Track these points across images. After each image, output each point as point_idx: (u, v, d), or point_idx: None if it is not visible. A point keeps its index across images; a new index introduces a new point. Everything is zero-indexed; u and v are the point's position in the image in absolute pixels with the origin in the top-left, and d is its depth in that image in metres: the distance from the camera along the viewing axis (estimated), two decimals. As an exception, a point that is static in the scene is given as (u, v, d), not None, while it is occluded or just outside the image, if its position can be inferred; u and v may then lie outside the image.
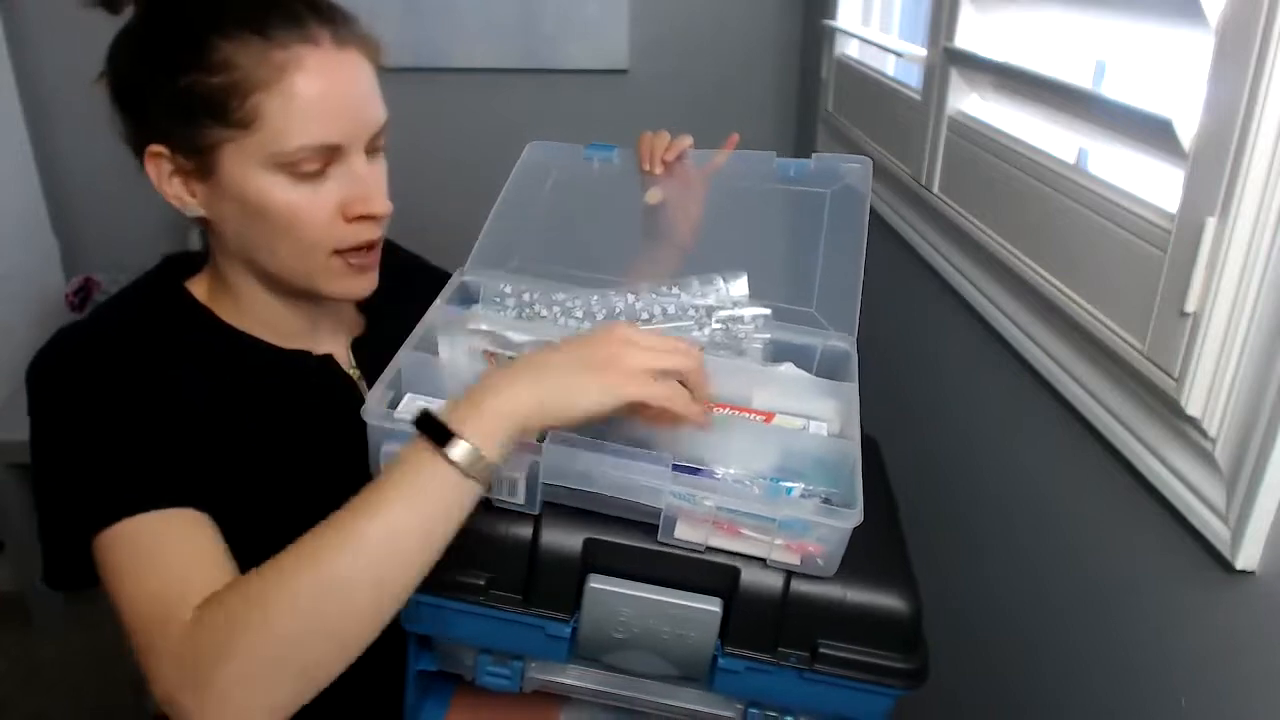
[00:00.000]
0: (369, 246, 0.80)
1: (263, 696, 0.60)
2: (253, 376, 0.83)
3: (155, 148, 0.75)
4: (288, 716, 0.61)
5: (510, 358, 0.79)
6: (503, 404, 0.62)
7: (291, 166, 0.73)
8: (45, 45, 2.03)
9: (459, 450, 0.61)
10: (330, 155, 0.75)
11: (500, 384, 0.63)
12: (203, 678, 0.59)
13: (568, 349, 0.65)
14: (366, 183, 0.77)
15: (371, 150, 0.79)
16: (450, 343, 0.80)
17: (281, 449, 0.81)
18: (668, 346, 0.66)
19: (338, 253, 0.78)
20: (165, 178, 0.76)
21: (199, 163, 0.74)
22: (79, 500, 0.70)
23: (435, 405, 0.64)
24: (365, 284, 0.83)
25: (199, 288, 0.86)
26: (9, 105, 1.97)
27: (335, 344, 0.91)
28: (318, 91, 0.72)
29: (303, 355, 0.87)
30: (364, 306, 0.96)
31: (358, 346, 0.92)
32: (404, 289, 0.90)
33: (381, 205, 0.78)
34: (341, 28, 0.76)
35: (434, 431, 0.61)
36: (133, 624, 0.65)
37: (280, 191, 0.74)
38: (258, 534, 0.75)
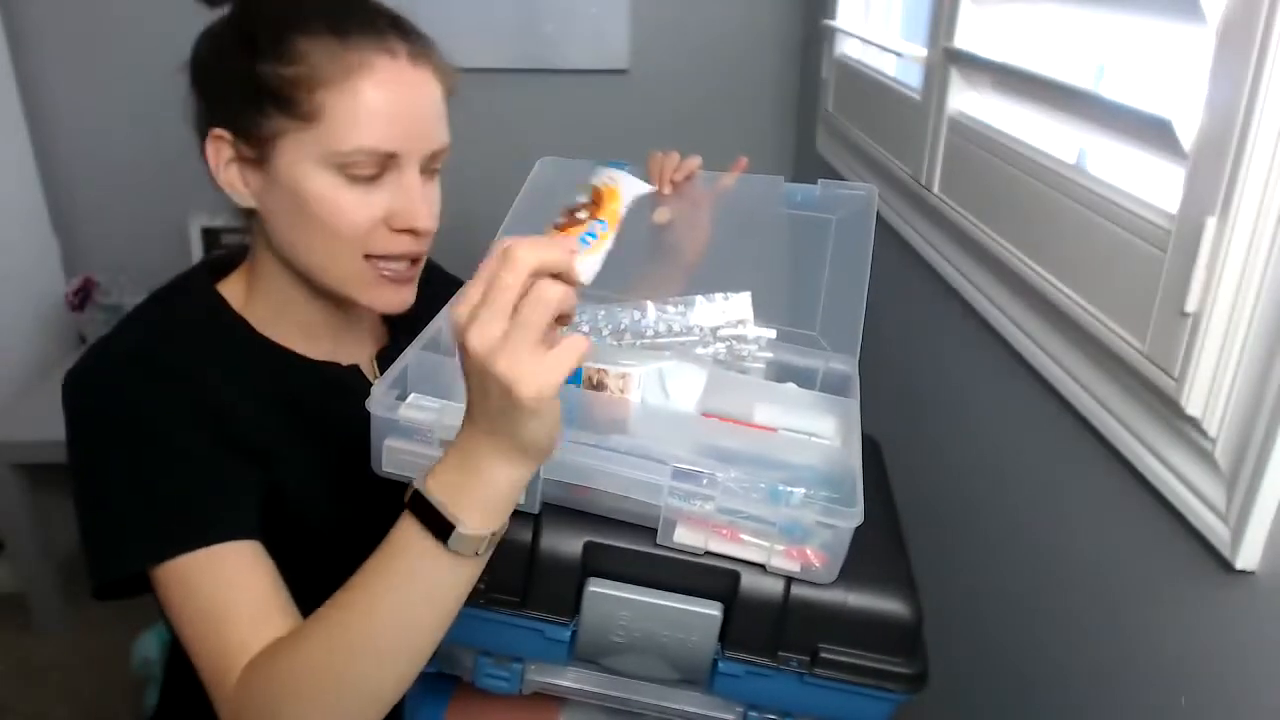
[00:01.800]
0: (407, 259, 0.80)
1: None
2: (284, 386, 0.83)
3: (218, 131, 0.76)
4: None
5: None
6: (494, 488, 0.59)
7: (346, 167, 0.74)
8: (46, 46, 2.03)
9: (473, 546, 0.60)
10: (385, 163, 0.75)
11: (490, 466, 0.58)
12: None
13: (485, 421, 0.57)
14: (415, 197, 0.77)
15: (428, 170, 0.79)
16: None
17: (311, 458, 0.82)
18: (499, 312, 0.53)
19: (370, 258, 0.79)
20: (223, 163, 0.78)
21: (258, 151, 0.76)
22: (132, 529, 0.72)
23: (425, 481, 0.60)
24: (400, 297, 0.82)
25: (234, 291, 0.86)
26: (10, 105, 1.97)
27: (360, 355, 0.91)
28: (383, 98, 0.74)
29: (332, 366, 0.87)
30: (389, 318, 0.96)
31: (382, 358, 0.92)
32: (425, 299, 0.90)
33: (425, 221, 0.78)
34: (419, 46, 0.77)
35: (437, 526, 0.59)
36: (197, 663, 0.69)
37: (330, 190, 0.75)
38: (286, 541, 0.75)
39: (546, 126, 2.24)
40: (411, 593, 0.62)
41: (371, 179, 0.75)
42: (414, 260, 0.81)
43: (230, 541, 0.71)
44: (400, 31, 0.77)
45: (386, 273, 0.80)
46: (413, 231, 0.78)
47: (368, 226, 0.77)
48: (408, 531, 0.61)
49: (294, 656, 0.64)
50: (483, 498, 0.59)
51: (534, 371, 0.53)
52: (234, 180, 0.78)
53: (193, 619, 0.69)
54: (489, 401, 0.56)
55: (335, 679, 0.63)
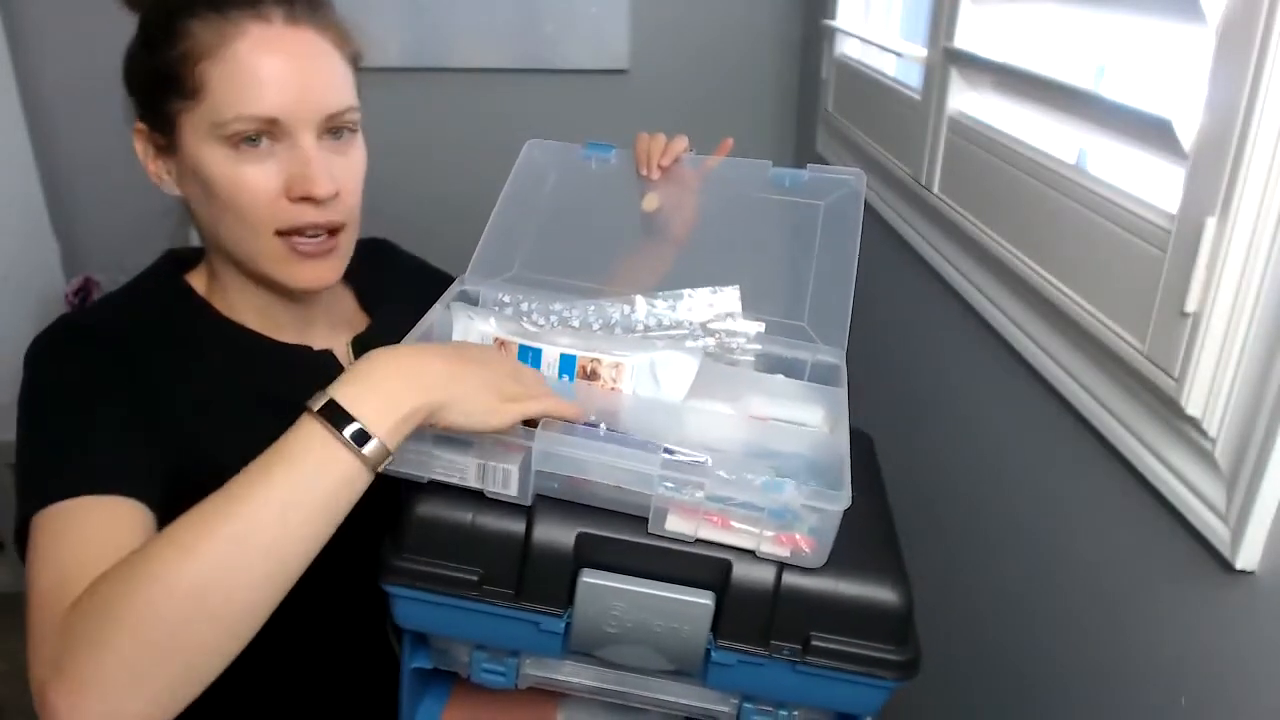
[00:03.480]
0: (318, 232, 0.78)
1: (137, 690, 0.54)
2: (250, 368, 0.83)
3: (139, 125, 0.79)
4: (170, 714, 0.56)
5: (524, 346, 0.80)
6: (411, 396, 0.61)
7: (232, 138, 0.74)
8: (46, 45, 2.04)
9: (368, 446, 0.59)
10: (269, 129, 0.74)
11: (412, 372, 0.62)
12: (71, 670, 0.54)
13: (481, 365, 0.66)
14: (310, 163, 0.75)
15: (330, 133, 0.78)
16: (466, 325, 0.81)
17: (270, 441, 0.81)
18: (547, 394, 0.70)
19: (281, 234, 0.78)
20: (149, 156, 0.80)
21: (167, 139, 0.77)
22: (32, 477, 0.69)
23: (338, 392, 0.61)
24: (315, 273, 0.80)
25: (198, 280, 0.86)
26: (9, 105, 1.97)
27: (334, 341, 0.91)
28: (257, 62, 0.73)
29: (302, 350, 0.87)
30: (366, 305, 0.96)
31: (359, 344, 0.92)
32: (407, 290, 0.90)
33: (321, 187, 0.75)
34: (300, 8, 0.76)
35: (333, 415, 0.59)
36: (30, 615, 0.60)
37: (223, 164, 0.75)
38: None
39: (546, 126, 2.22)
40: (301, 494, 0.58)
41: (261, 149, 0.75)
42: (331, 232, 0.79)
43: (112, 496, 0.66)
44: None
45: (300, 248, 0.78)
46: (311, 199, 0.76)
47: (267, 199, 0.76)
48: (310, 435, 0.59)
49: (142, 557, 0.56)
50: (396, 419, 0.61)
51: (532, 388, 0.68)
52: (160, 172, 0.80)
53: (39, 565, 0.62)
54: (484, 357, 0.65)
55: (187, 581, 0.55)
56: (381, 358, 0.63)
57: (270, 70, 0.74)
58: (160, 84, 0.75)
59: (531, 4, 2.13)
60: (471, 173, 1.92)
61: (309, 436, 0.60)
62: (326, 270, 0.81)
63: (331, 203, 0.78)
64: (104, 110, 2.09)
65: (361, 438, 0.59)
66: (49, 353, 0.77)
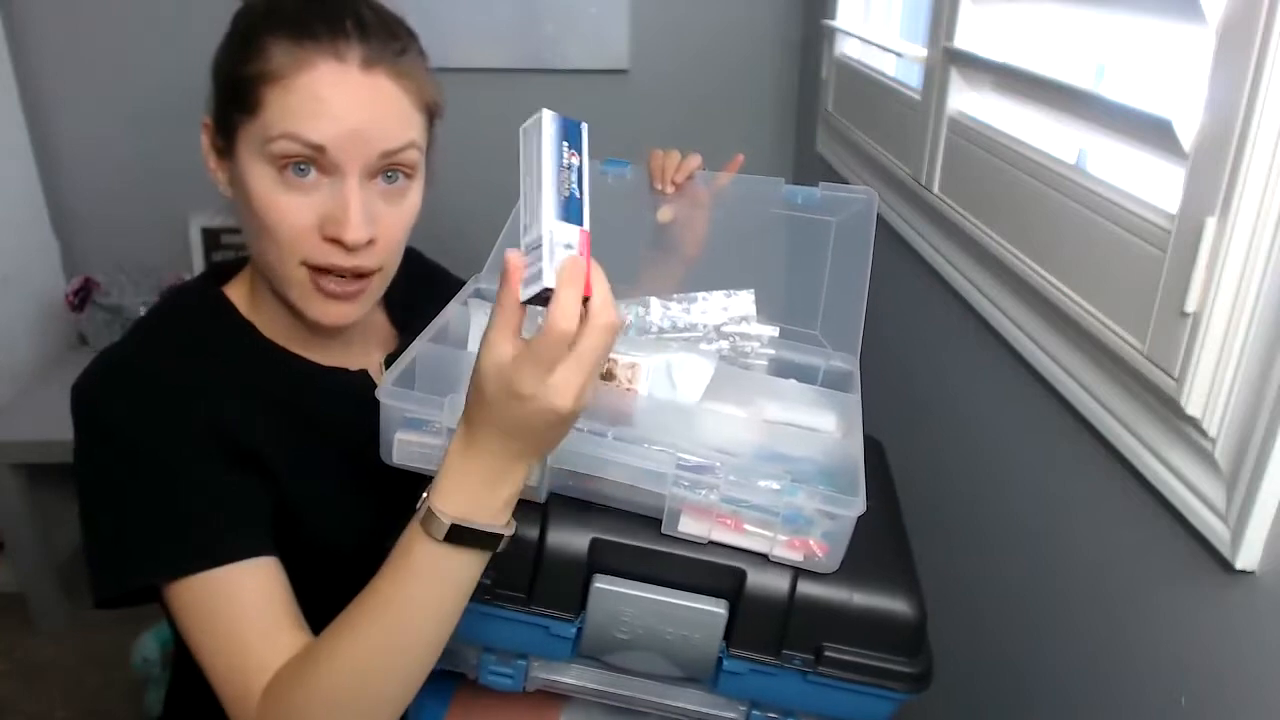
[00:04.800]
0: (343, 274, 0.77)
1: None
2: (290, 394, 0.83)
3: (206, 119, 0.80)
4: None
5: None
6: (516, 476, 0.63)
7: (277, 159, 0.73)
8: (46, 45, 2.03)
9: (493, 541, 0.63)
10: (317, 159, 0.73)
11: (506, 472, 0.62)
12: None
13: (520, 426, 0.60)
14: (348, 206, 0.73)
15: (384, 176, 0.76)
16: (483, 321, 0.81)
17: (317, 465, 0.82)
18: (588, 362, 0.59)
19: (308, 266, 0.76)
20: (209, 151, 0.80)
21: (227, 143, 0.77)
22: (140, 547, 0.72)
23: (444, 506, 0.62)
24: (340, 312, 0.79)
25: (239, 294, 0.85)
26: (9, 106, 1.97)
27: (368, 359, 0.91)
28: (316, 93, 0.72)
29: (339, 372, 0.87)
30: (396, 321, 0.96)
31: (391, 362, 0.92)
32: (434, 302, 0.89)
33: (353, 232, 0.73)
34: (379, 52, 0.74)
35: (459, 535, 0.62)
36: (214, 682, 0.70)
37: (266, 185, 0.74)
38: (294, 548, 0.75)
39: (546, 127, 2.24)
40: (437, 595, 0.64)
41: (308, 180, 0.73)
42: (359, 275, 0.77)
43: (240, 561, 0.71)
44: (361, 36, 0.74)
45: (324, 285, 0.77)
46: (340, 242, 0.74)
47: (299, 231, 0.74)
48: (440, 555, 0.62)
49: (320, 673, 0.65)
50: (508, 499, 0.63)
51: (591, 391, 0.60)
52: (215, 168, 0.80)
53: (207, 639, 0.70)
54: (541, 430, 0.60)
55: (361, 689, 0.64)
56: (474, 461, 0.62)
57: (326, 103, 0.72)
58: (227, 91, 0.75)
59: (531, 4, 2.12)
60: (471, 173, 1.92)
61: (441, 557, 0.63)
62: (350, 310, 0.79)
63: (363, 249, 0.76)
64: (104, 110, 2.10)
65: (488, 539, 0.63)
66: (108, 400, 0.75)
